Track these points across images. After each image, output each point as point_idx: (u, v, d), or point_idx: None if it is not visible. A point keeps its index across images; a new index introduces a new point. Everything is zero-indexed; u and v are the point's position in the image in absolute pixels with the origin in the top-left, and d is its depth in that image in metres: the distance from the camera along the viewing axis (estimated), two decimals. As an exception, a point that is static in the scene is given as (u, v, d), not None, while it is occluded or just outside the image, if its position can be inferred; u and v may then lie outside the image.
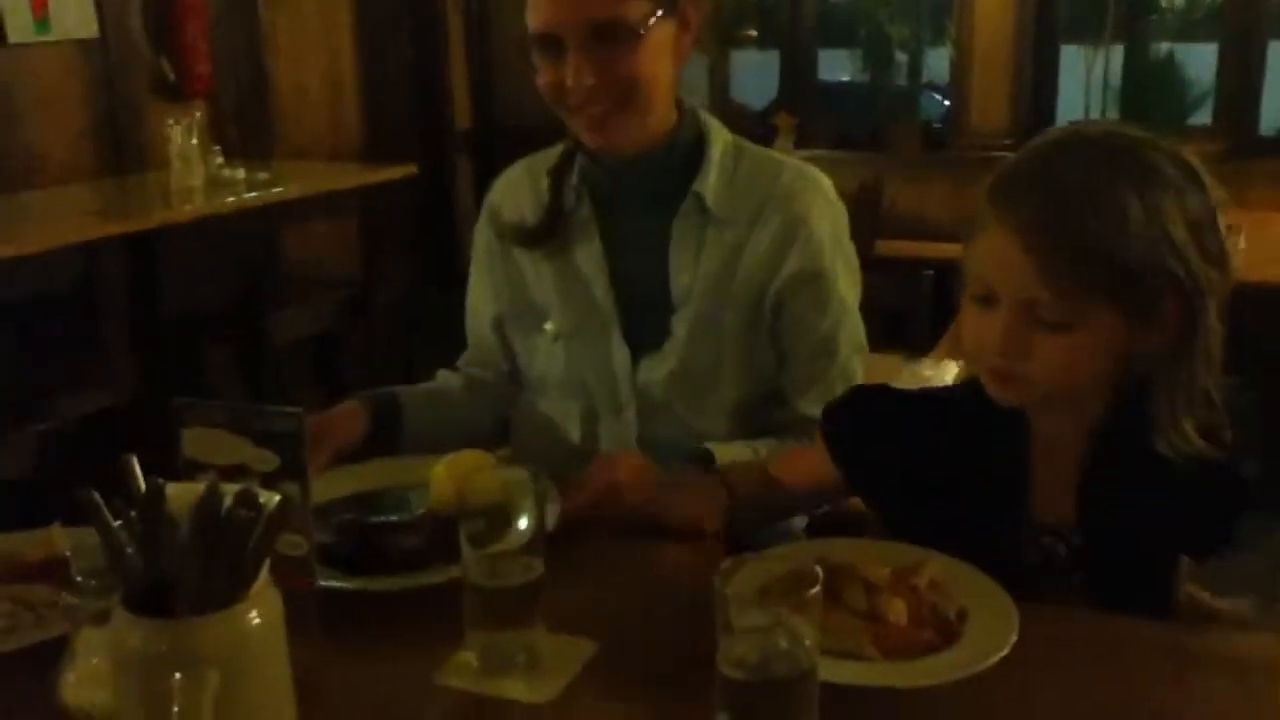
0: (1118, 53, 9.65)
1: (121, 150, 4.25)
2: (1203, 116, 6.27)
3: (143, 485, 0.79)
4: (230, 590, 0.77)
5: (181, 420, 1.05)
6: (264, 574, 0.80)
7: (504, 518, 1.03)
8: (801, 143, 4.67)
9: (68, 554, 1.08)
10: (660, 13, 1.44)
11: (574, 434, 1.60)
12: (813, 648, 0.86)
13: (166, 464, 0.83)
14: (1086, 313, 1.09)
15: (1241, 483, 1.16)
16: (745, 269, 1.53)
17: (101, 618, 0.84)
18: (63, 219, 3.62)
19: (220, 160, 4.06)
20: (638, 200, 1.56)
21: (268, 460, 1.01)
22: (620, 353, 1.56)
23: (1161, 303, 1.09)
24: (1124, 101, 9.55)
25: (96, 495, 0.78)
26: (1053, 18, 4.59)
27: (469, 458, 1.29)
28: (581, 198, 1.58)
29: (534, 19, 1.45)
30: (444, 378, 1.72)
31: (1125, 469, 1.16)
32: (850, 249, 1.59)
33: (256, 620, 0.78)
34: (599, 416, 1.58)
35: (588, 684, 1.03)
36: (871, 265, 1.74)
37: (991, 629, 1.03)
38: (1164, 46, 10.64)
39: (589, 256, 1.57)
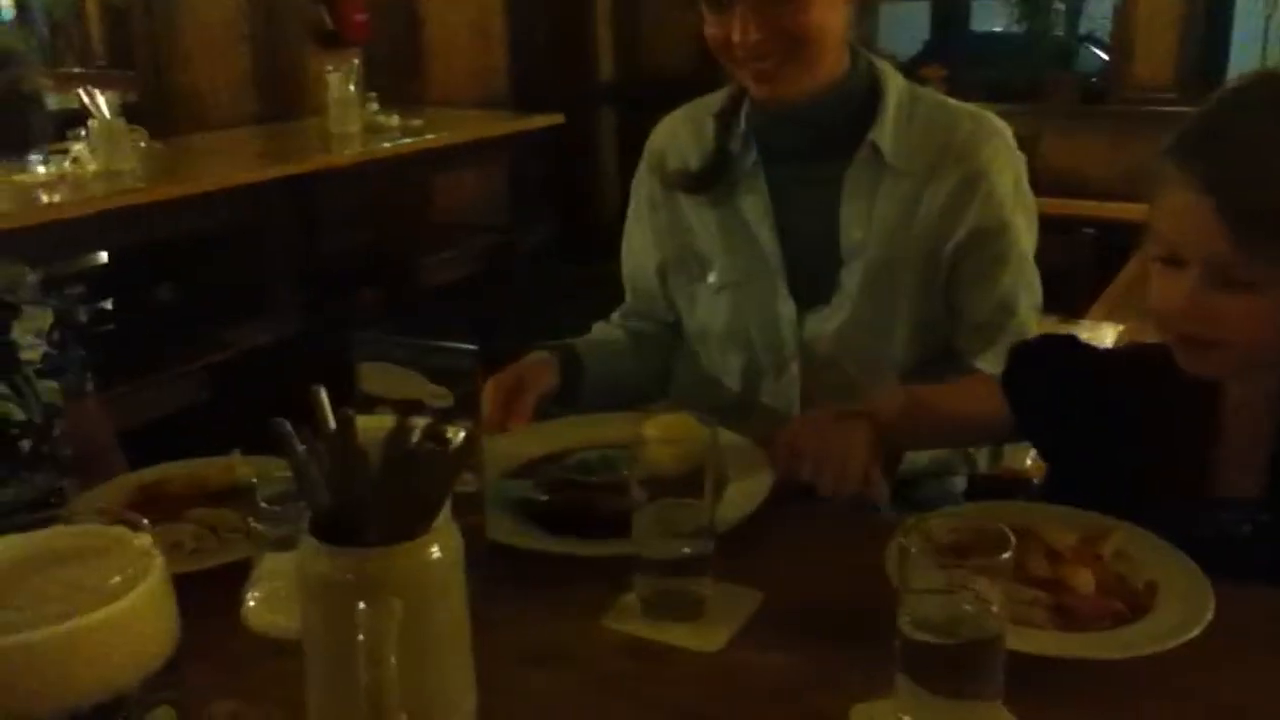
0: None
1: (280, 96, 4.38)
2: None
3: (331, 417, 0.80)
4: (416, 523, 0.78)
5: (359, 354, 1.06)
6: (446, 508, 0.80)
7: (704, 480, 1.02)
8: (951, 94, 4.50)
9: (254, 481, 1.10)
10: None
11: (734, 388, 1.57)
12: (1001, 613, 0.82)
13: (335, 397, 0.84)
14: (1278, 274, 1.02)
15: None
16: (922, 222, 1.47)
17: (284, 543, 0.86)
18: (227, 161, 3.76)
19: (375, 107, 4.14)
20: (806, 149, 1.52)
21: (442, 396, 1.02)
22: (786, 305, 1.52)
23: None
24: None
25: (288, 425, 0.79)
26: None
27: (679, 421, 1.16)
28: (748, 145, 1.54)
29: None
30: (604, 330, 1.69)
31: None
32: (1030, 198, 1.53)
33: (438, 554, 0.78)
34: (762, 371, 1.55)
35: (751, 634, 1.02)
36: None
37: (1185, 603, 0.98)
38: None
39: (754, 205, 1.54)
